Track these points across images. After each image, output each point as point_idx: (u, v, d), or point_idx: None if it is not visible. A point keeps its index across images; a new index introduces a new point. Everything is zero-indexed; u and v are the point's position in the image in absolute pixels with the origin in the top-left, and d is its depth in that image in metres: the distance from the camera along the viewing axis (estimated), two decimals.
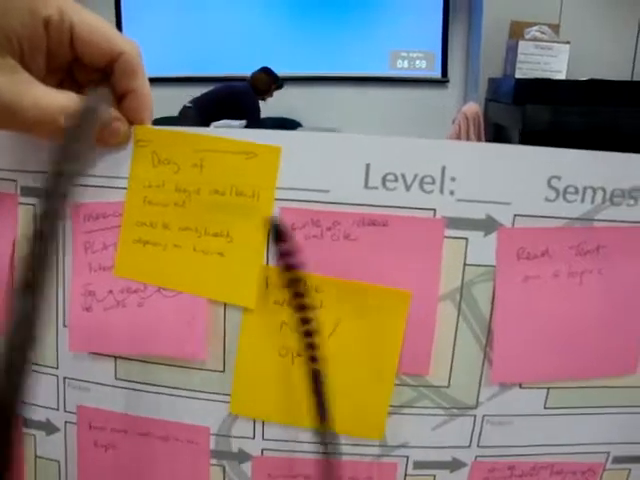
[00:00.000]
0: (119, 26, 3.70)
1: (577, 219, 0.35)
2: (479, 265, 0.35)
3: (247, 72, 3.41)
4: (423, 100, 3.84)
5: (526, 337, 0.36)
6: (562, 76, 3.01)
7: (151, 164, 0.35)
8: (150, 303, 0.36)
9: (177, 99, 3.25)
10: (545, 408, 0.38)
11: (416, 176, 0.34)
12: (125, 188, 0.35)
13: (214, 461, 0.39)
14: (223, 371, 0.37)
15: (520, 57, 3.02)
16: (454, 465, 0.39)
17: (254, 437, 0.38)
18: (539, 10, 3.19)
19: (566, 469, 0.40)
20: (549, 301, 0.36)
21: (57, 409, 0.40)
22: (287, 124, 3.67)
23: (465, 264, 0.35)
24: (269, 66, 3.39)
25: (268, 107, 3.43)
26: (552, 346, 0.36)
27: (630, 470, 0.41)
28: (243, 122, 3.00)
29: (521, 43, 3.03)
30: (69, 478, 0.41)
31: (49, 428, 0.41)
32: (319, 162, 0.34)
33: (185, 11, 3.78)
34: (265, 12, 3.80)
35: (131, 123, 0.34)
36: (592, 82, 2.79)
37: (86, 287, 0.37)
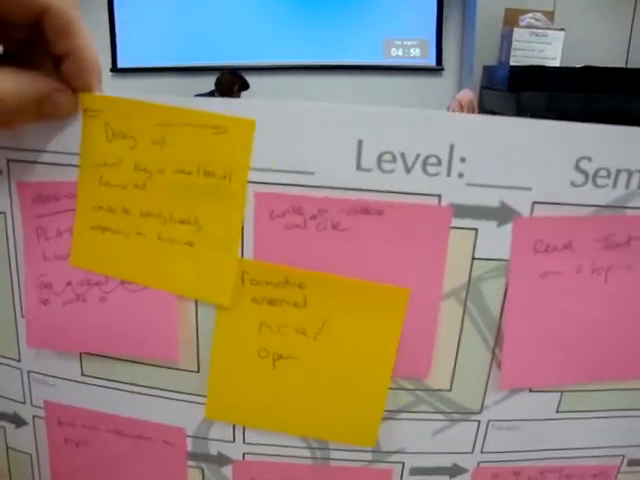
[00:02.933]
0: (111, 16, 3.56)
1: (607, 207, 0.29)
2: (489, 259, 0.30)
3: (240, 61, 3.39)
4: (418, 88, 3.81)
5: (541, 339, 0.32)
6: (557, 63, 3.00)
7: (105, 138, 0.29)
8: (113, 298, 0.32)
9: (168, 90, 3.24)
10: (557, 412, 0.34)
11: (418, 156, 0.29)
12: (78, 166, 0.30)
13: (192, 463, 0.36)
14: (198, 371, 0.33)
15: (515, 44, 3.01)
16: (454, 471, 0.36)
17: (234, 441, 0.35)
18: None
19: (576, 472, 0.37)
20: (569, 300, 0.31)
21: (24, 403, 0.36)
22: None
23: (473, 258, 0.30)
24: (262, 56, 3.39)
25: (261, 97, 3.37)
26: (570, 349, 0.32)
27: None
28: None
29: (516, 30, 3.01)
30: (42, 471, 0.38)
31: (17, 421, 0.37)
32: (302, 138, 0.29)
33: (178, 1, 3.65)
34: (259, 1, 3.70)
35: (76, 91, 0.29)
36: (587, 69, 2.78)
37: (41, 278, 0.32)
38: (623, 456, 0.37)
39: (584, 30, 3.14)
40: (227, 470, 0.36)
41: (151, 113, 0.29)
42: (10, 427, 0.38)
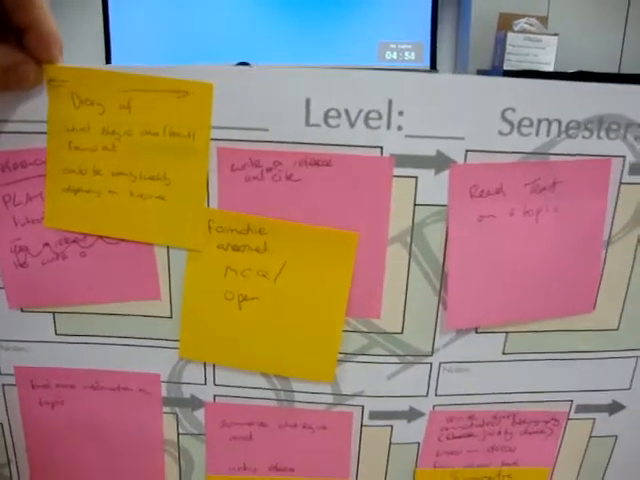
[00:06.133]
0: (105, 15, 3.65)
1: (532, 153, 0.33)
2: (430, 205, 0.34)
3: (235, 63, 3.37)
4: None
5: (482, 279, 0.35)
6: (550, 68, 3.03)
7: (72, 106, 0.33)
8: (94, 251, 0.35)
9: None
10: (504, 354, 0.37)
11: (361, 111, 0.32)
12: (44, 133, 0.33)
13: (167, 409, 0.38)
14: (171, 317, 0.36)
15: (508, 49, 3.03)
16: (411, 415, 0.38)
17: (205, 383, 0.37)
18: (527, 2, 3.19)
19: (529, 418, 0.39)
20: (505, 241, 0.34)
21: None
22: None
23: (415, 204, 0.34)
24: (257, 58, 3.38)
25: None
26: (509, 287, 0.35)
27: (595, 420, 0.40)
28: None
29: (509, 35, 3.04)
30: (15, 439, 0.40)
31: None
32: (256, 99, 0.32)
33: (173, 3, 3.72)
34: (253, 4, 3.74)
35: (39, 62, 0.31)
36: (580, 74, 2.80)
37: (15, 243, 0.35)
38: (571, 401, 0.39)
39: (577, 35, 3.17)
40: (199, 414, 0.38)
41: (116, 81, 0.32)
42: None
